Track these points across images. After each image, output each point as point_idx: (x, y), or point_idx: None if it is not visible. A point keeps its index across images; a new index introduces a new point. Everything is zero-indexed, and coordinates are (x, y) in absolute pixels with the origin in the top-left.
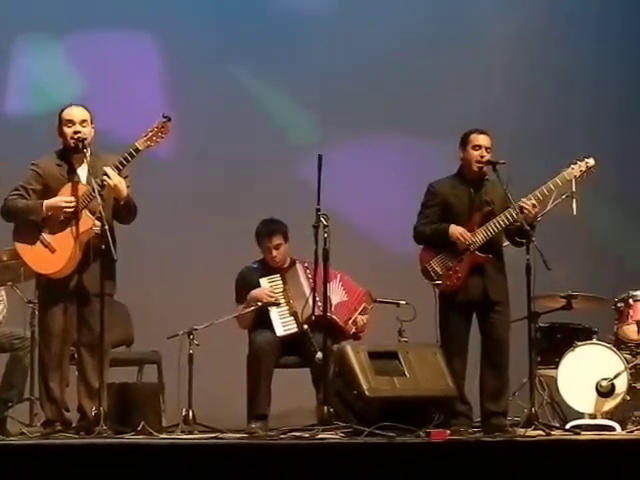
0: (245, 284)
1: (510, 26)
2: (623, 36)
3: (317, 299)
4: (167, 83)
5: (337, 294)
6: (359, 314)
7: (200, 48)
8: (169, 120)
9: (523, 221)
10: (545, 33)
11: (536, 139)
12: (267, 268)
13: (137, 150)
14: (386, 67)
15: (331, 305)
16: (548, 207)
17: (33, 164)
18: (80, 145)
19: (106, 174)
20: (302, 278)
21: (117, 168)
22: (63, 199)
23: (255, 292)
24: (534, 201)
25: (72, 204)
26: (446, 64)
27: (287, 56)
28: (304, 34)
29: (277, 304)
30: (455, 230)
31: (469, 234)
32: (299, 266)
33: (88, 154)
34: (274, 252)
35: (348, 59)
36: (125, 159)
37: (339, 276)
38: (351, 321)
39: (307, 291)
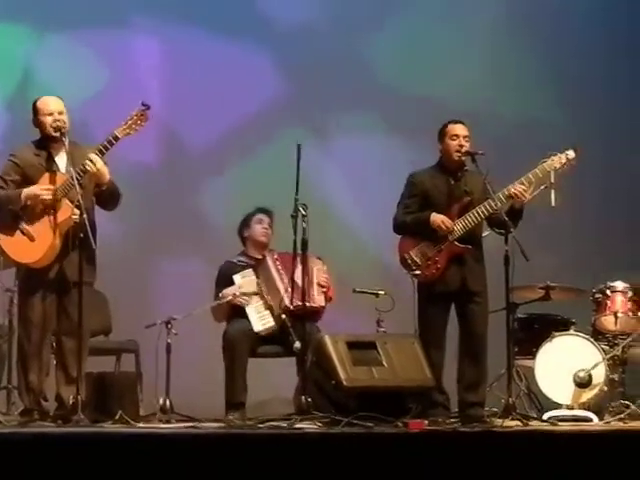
0: (223, 280)
1: (494, 13)
2: (610, 24)
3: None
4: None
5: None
6: (317, 278)
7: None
8: (148, 108)
9: (502, 212)
10: (530, 21)
11: (518, 130)
12: (248, 259)
13: (116, 138)
14: (367, 58)
15: (310, 295)
16: (527, 198)
17: (11, 155)
18: (59, 133)
19: (90, 159)
20: (273, 270)
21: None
22: (41, 187)
23: (226, 291)
24: (525, 186)
25: (49, 192)
26: (428, 53)
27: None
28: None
29: (247, 301)
30: (436, 218)
31: (450, 221)
32: (269, 259)
33: (67, 143)
34: (265, 224)
35: (330, 51)
36: (104, 147)
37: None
38: (316, 293)
39: (279, 283)
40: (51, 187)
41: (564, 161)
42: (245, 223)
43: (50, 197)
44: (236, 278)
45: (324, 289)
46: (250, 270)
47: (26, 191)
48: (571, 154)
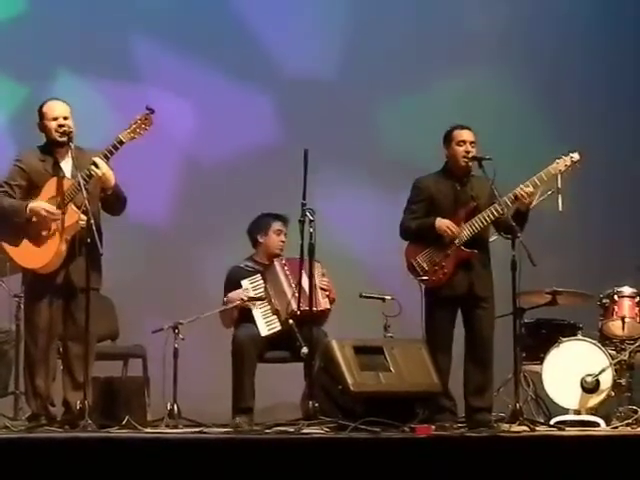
0: (232, 284)
1: (497, 19)
2: (614, 28)
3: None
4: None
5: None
6: (319, 282)
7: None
8: (152, 112)
9: (509, 217)
10: (532, 25)
11: (522, 134)
12: (256, 265)
13: (121, 142)
14: (371, 67)
15: (317, 300)
16: (534, 203)
17: (16, 160)
18: (66, 138)
19: (94, 164)
20: (281, 276)
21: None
22: (47, 208)
23: (232, 295)
24: (531, 188)
25: (56, 218)
26: (430, 59)
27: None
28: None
29: (254, 305)
30: (442, 223)
31: (456, 227)
32: (277, 264)
33: (72, 148)
34: (282, 236)
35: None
36: (109, 152)
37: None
38: (321, 296)
39: (287, 288)
40: (58, 212)
41: (569, 163)
42: (262, 227)
43: (55, 221)
44: (244, 283)
45: (327, 292)
46: (258, 275)
47: (31, 206)
48: (576, 156)
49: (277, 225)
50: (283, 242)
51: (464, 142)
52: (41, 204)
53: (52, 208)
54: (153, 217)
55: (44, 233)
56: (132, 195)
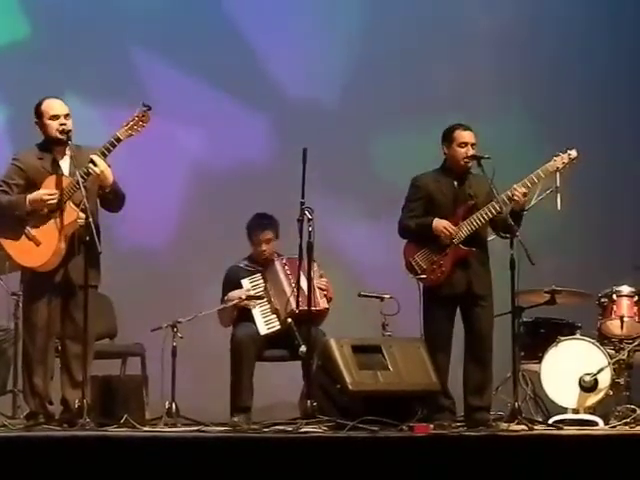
0: (230, 283)
1: (498, 21)
2: (614, 29)
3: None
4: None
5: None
6: (318, 282)
7: None
8: (149, 109)
9: (508, 215)
10: (533, 27)
11: (522, 134)
12: (254, 264)
13: (118, 140)
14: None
15: (316, 300)
16: (533, 202)
17: (14, 158)
18: (66, 137)
19: (92, 161)
20: (281, 275)
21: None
22: (45, 192)
23: (232, 294)
24: (524, 189)
25: (55, 197)
26: (433, 60)
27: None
28: None
29: (254, 305)
30: (439, 224)
31: (453, 227)
32: (278, 263)
33: (71, 146)
34: (264, 246)
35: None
36: (107, 149)
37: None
38: (319, 296)
39: (287, 288)
40: (55, 191)
41: (567, 161)
42: (250, 233)
43: (55, 202)
44: (244, 282)
45: (324, 292)
46: (258, 275)
47: (31, 196)
48: (573, 153)
49: (259, 235)
50: (265, 251)
51: (466, 144)
52: (39, 192)
53: (50, 190)
54: (154, 219)
55: (44, 222)
56: (134, 199)
